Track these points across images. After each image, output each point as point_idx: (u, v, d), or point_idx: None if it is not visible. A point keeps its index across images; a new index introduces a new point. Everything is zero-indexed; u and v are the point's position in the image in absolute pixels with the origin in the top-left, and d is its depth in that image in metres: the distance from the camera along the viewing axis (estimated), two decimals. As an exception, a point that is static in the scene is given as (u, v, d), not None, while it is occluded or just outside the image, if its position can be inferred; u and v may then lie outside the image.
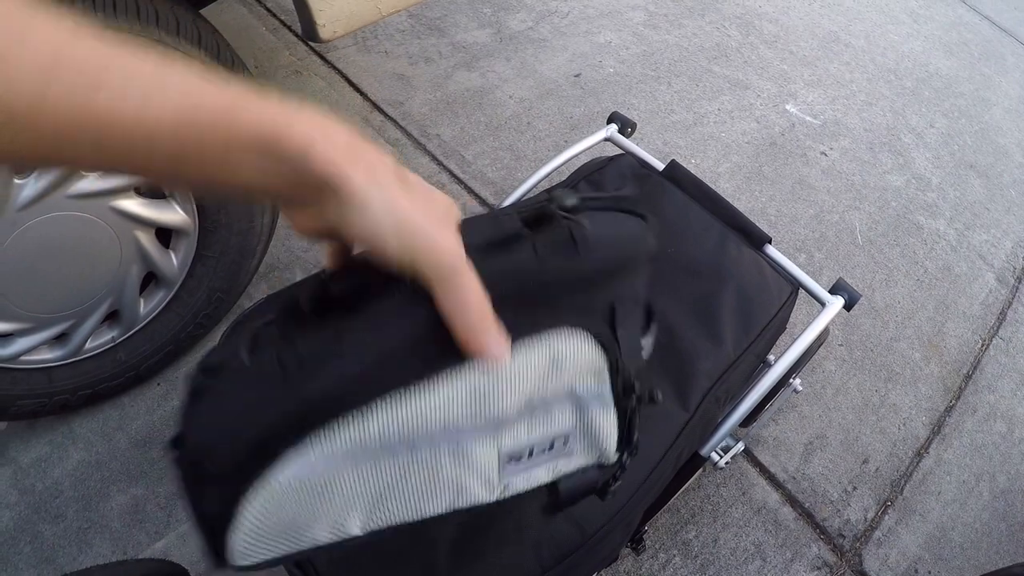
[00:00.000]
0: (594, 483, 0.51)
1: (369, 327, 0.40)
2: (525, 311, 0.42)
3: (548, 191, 0.60)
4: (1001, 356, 1.79)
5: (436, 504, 0.45)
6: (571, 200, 0.43)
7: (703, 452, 1.09)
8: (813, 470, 1.55)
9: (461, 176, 1.78)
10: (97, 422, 1.36)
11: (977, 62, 2.57)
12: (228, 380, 0.40)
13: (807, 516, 1.49)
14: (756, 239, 1.23)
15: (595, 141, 1.33)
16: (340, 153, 0.34)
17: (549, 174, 1.31)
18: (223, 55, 1.15)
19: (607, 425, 0.48)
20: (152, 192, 1.21)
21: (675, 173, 1.27)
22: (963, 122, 2.24)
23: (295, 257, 1.63)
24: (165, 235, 1.28)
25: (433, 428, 0.41)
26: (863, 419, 1.63)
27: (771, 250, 1.23)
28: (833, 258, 1.83)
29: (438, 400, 0.40)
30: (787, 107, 2.11)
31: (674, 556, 1.41)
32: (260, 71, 1.89)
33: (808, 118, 2.09)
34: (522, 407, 0.44)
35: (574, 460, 0.49)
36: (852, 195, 1.96)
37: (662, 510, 1.44)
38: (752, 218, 1.79)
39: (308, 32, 1.14)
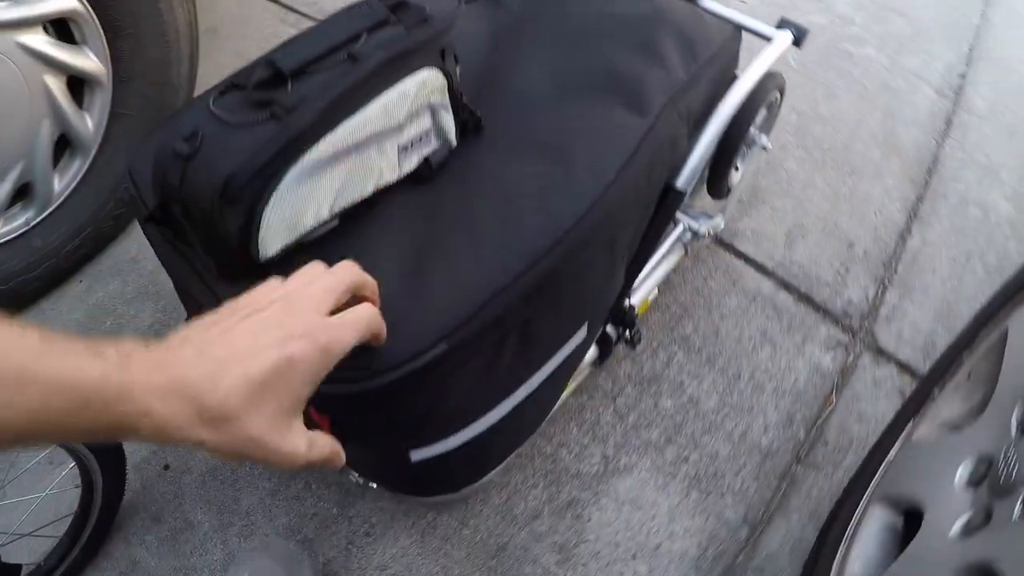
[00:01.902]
0: (445, 158, 0.78)
1: (320, 85, 0.63)
2: (404, 61, 0.69)
3: None
4: (958, 152, 1.75)
5: (368, 186, 0.71)
6: None
7: (678, 184, 0.97)
8: (800, 256, 1.43)
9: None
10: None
11: None
12: (221, 135, 0.60)
13: (806, 299, 1.37)
14: None
15: None
16: (174, 419, 0.40)
17: None
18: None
19: (449, 121, 0.77)
20: (62, 33, 1.08)
21: None
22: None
23: None
24: (78, 96, 1.16)
25: (367, 135, 0.67)
26: (838, 209, 1.53)
27: (705, 2, 1.16)
28: (774, 79, 1.77)
29: (369, 115, 0.67)
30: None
31: (675, 352, 1.25)
32: None
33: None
34: (406, 116, 0.71)
35: (433, 145, 0.77)
36: (779, 32, 1.93)
37: (654, 308, 1.29)
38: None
39: None
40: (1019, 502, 0.73)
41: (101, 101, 1.19)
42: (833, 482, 1.17)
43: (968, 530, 0.79)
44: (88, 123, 1.18)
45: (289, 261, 0.66)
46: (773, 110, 1.27)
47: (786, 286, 1.38)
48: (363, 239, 0.71)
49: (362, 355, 0.55)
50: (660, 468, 1.14)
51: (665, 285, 1.31)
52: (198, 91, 1.32)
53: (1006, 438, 0.83)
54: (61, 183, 1.20)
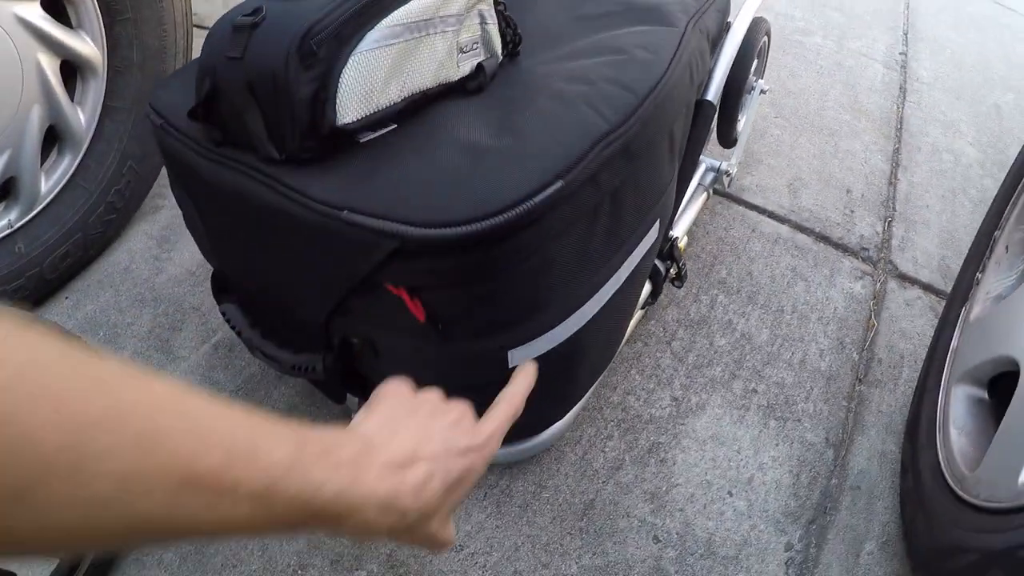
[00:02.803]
0: (496, 69, 0.79)
1: None
2: None
3: None
4: (918, 112, 1.86)
5: (430, 75, 0.71)
6: None
7: (709, 96, 1.02)
8: (806, 203, 1.47)
9: None
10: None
11: None
12: (288, 6, 0.60)
13: (823, 239, 1.40)
14: None
15: None
16: (382, 527, 0.41)
17: None
18: None
19: (495, 33, 0.79)
20: (56, 10, 1.05)
21: None
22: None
23: None
24: (70, 88, 1.12)
25: (432, 15, 0.68)
26: (827, 163, 1.60)
27: None
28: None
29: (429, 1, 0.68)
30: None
31: (716, 295, 1.25)
32: None
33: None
34: (461, 12, 0.73)
35: (481, 56, 0.78)
36: (730, 30, 2.06)
37: (685, 258, 1.29)
38: None
39: None
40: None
41: (94, 92, 1.14)
42: (898, 395, 1.16)
43: None
44: (80, 116, 1.13)
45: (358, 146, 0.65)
46: (763, 55, 1.34)
47: (802, 229, 1.41)
48: (435, 126, 0.70)
49: None
50: (731, 403, 1.11)
51: (691, 238, 1.33)
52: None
53: None
54: (48, 182, 1.12)
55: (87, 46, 1.09)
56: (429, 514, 0.45)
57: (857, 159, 1.63)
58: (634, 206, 0.82)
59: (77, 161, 1.15)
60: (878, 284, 1.33)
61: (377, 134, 0.68)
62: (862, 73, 1.96)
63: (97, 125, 1.16)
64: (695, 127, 1.00)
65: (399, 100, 0.68)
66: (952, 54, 2.19)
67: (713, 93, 1.03)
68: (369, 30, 0.63)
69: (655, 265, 1.08)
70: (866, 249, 1.40)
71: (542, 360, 0.77)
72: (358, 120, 0.65)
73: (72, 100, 1.11)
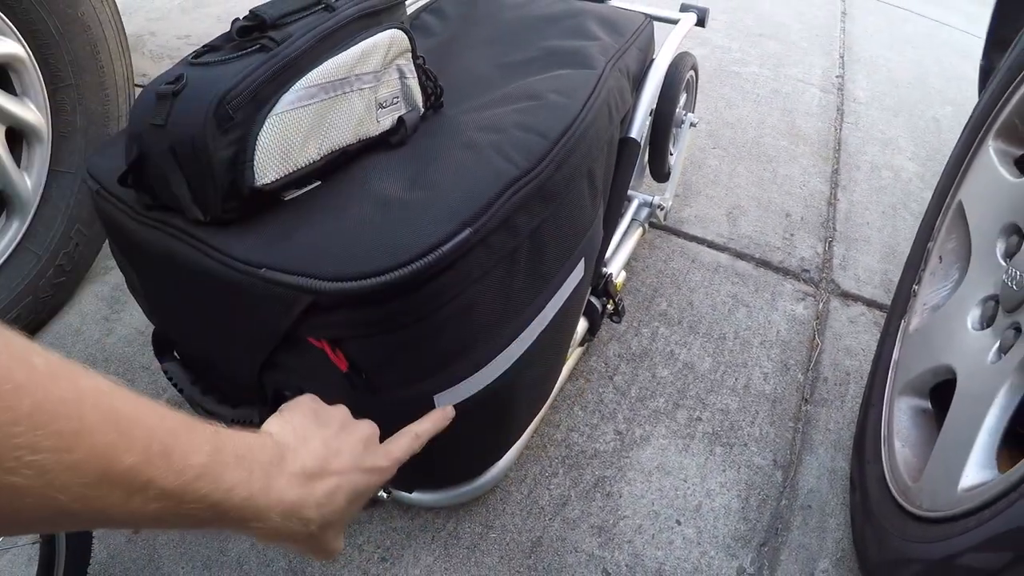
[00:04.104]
0: (417, 121, 0.83)
1: (302, 27, 0.68)
2: (374, 17, 0.75)
3: None
4: (856, 132, 1.91)
5: (353, 134, 0.74)
6: None
7: (632, 134, 1.05)
8: (745, 230, 1.50)
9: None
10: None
11: None
12: (208, 71, 0.63)
13: (764, 264, 1.42)
14: None
15: None
16: (286, 533, 0.45)
17: None
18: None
19: (415, 86, 0.83)
20: (1, 84, 1.09)
21: None
22: (740, 13, 2.52)
23: None
24: (15, 154, 1.14)
25: (349, 74, 0.72)
26: (765, 189, 1.63)
27: (614, 1, 1.30)
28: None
29: (350, 55, 0.72)
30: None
31: (657, 327, 1.27)
32: None
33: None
34: (380, 65, 0.77)
35: (402, 109, 0.81)
36: (670, 68, 2.12)
37: (624, 294, 1.31)
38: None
39: None
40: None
41: (40, 158, 1.16)
42: (845, 412, 1.17)
43: (1002, 352, 0.81)
44: (27, 181, 1.15)
45: (279, 204, 0.67)
46: (692, 89, 1.38)
47: (741, 256, 1.43)
48: (354, 182, 0.73)
49: None
50: (676, 432, 1.11)
51: (631, 272, 1.35)
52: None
53: (999, 269, 0.88)
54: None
55: (31, 113, 1.12)
56: (329, 525, 0.47)
57: (796, 183, 1.66)
58: (556, 246, 0.84)
59: (25, 226, 1.17)
60: (820, 304, 1.35)
61: (300, 192, 0.71)
62: (799, 98, 2.02)
63: (44, 190, 1.18)
64: (619, 164, 1.03)
65: (318, 158, 0.71)
66: (889, 73, 2.26)
67: (636, 130, 1.06)
68: (285, 92, 0.66)
69: (590, 302, 1.10)
70: (807, 270, 1.42)
71: (472, 402, 0.78)
72: (277, 180, 0.67)
73: (19, 166, 1.14)
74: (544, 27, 1.11)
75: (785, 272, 1.41)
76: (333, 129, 0.73)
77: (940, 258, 1.12)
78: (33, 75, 1.12)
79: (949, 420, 0.86)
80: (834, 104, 2.02)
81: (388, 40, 0.77)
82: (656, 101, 1.19)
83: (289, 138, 0.67)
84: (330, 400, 0.60)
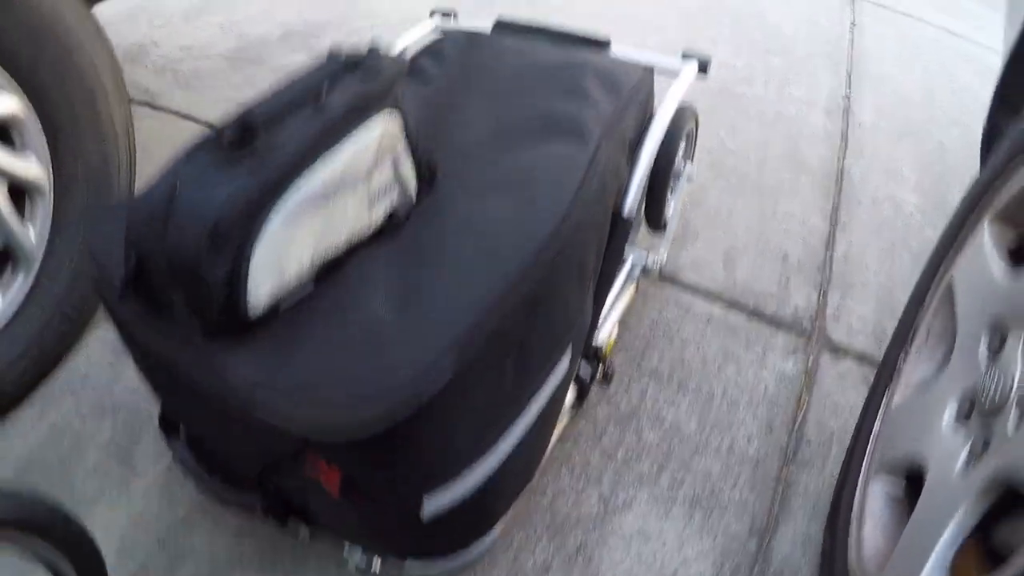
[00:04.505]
0: (409, 209, 0.86)
1: (290, 133, 0.69)
2: (364, 108, 0.76)
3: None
4: (859, 161, 1.90)
5: (343, 236, 0.77)
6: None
7: (624, 211, 1.06)
8: (741, 276, 1.51)
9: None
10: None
11: None
12: (200, 188, 0.65)
13: (757, 314, 1.44)
14: (598, 44, 1.29)
15: (423, 32, 1.35)
16: None
17: None
18: None
19: (409, 170, 0.85)
20: (2, 139, 1.10)
21: (505, 27, 1.34)
22: (748, 24, 2.48)
23: None
24: (19, 207, 1.15)
25: (340, 178, 0.73)
26: (765, 227, 1.64)
27: (616, 48, 1.29)
28: (681, 127, 1.92)
29: (340, 159, 0.73)
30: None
31: (647, 385, 1.29)
32: None
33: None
34: (372, 162, 0.78)
35: (395, 196, 0.84)
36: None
37: (616, 350, 1.33)
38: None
39: None
40: (1012, 412, 0.77)
41: (43, 210, 1.18)
42: (825, 476, 1.20)
43: (972, 459, 0.83)
44: (31, 234, 1.17)
45: (274, 317, 0.70)
46: (692, 139, 1.38)
47: (736, 305, 1.45)
48: (345, 292, 0.75)
49: None
50: (658, 497, 1.15)
51: (623, 327, 1.37)
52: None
53: (980, 367, 0.89)
54: (5, 301, 1.17)
55: (33, 168, 1.13)
56: None
57: (795, 220, 1.66)
58: (544, 346, 0.87)
59: (32, 279, 1.20)
60: (810, 358, 1.37)
61: (294, 300, 0.74)
62: (804, 122, 2.00)
63: (48, 242, 1.20)
64: (611, 242, 1.05)
65: (312, 267, 0.74)
66: (896, 90, 2.23)
67: (629, 206, 1.07)
68: (275, 208, 0.67)
69: (579, 372, 1.12)
70: (800, 321, 1.43)
71: (463, 499, 0.82)
72: (271, 295, 0.70)
73: (23, 218, 1.16)
74: (542, 84, 1.11)
75: (778, 324, 1.42)
76: (327, 236, 0.75)
77: (928, 334, 1.13)
78: (33, 129, 1.13)
79: (914, 518, 0.88)
80: (839, 129, 2.00)
81: (380, 132, 0.78)
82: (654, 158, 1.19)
83: (283, 253, 0.70)
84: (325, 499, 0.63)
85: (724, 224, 1.63)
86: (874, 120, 2.07)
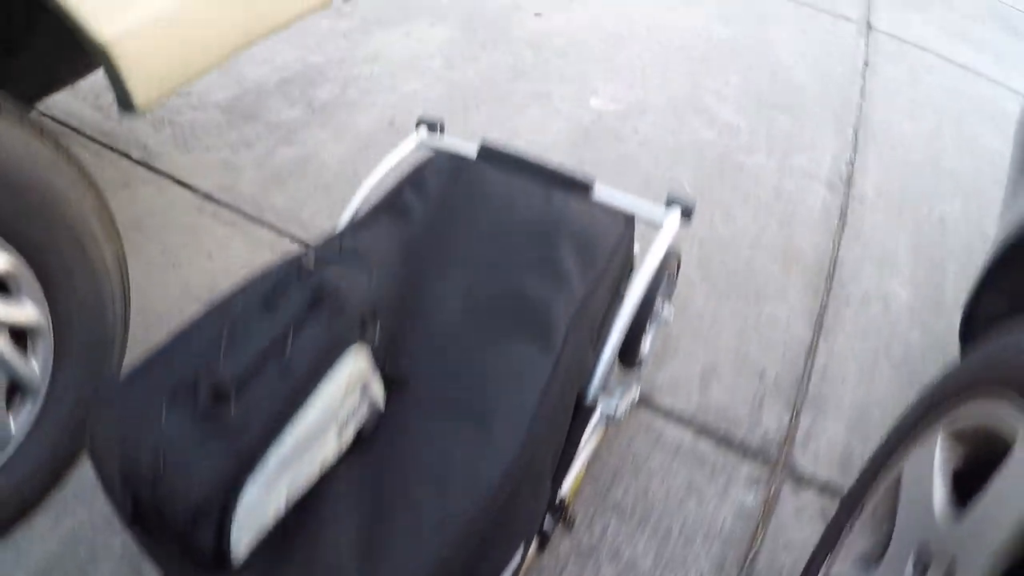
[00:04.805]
0: (376, 421, 0.89)
1: (260, 401, 0.74)
2: (329, 354, 0.80)
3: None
4: (855, 248, 1.89)
5: (315, 470, 0.81)
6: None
7: (588, 398, 1.08)
8: (715, 399, 1.54)
9: (304, 237, 1.77)
10: (-8, 566, 1.22)
11: (753, 23, 2.84)
12: (182, 457, 0.70)
13: (726, 442, 1.47)
14: (580, 186, 1.27)
15: (408, 149, 1.36)
16: None
17: (372, 188, 1.32)
18: (47, 135, 1.12)
19: (378, 389, 0.88)
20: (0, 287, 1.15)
21: (489, 154, 1.33)
22: (756, 73, 2.44)
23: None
24: (21, 341, 1.20)
25: (311, 433, 0.78)
26: (746, 339, 1.65)
27: (599, 190, 1.27)
28: (674, 208, 1.90)
29: (310, 417, 0.77)
30: (591, 102, 2.24)
31: (610, 520, 1.35)
32: None
33: (612, 106, 2.23)
34: (340, 401, 0.81)
35: (364, 414, 0.86)
36: (672, 155, 2.07)
37: (585, 481, 1.38)
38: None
39: (123, 103, 1.15)
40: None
41: (44, 346, 1.23)
42: (770, 623, 1.26)
43: None
44: (35, 367, 1.22)
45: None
46: (672, 280, 1.39)
47: (705, 431, 1.48)
48: (312, 527, 0.81)
49: None
50: (609, 643, 1.22)
51: (594, 457, 1.41)
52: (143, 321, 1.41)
53: None
54: (17, 425, 1.24)
55: (30, 313, 1.18)
56: None
57: (779, 328, 1.67)
58: (498, 556, 0.92)
59: (40, 404, 1.28)
60: (772, 489, 1.41)
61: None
62: (802, 201, 1.98)
63: (52, 372, 1.27)
64: (572, 429, 1.08)
65: (289, 505, 0.79)
66: (903, 151, 2.18)
67: (593, 393, 1.09)
68: (254, 477, 0.73)
69: (541, 527, 1.18)
70: (768, 447, 1.47)
71: None
72: (253, 543, 0.76)
73: (26, 353, 1.21)
74: (517, 250, 1.12)
75: (745, 451, 1.46)
76: (301, 477, 0.80)
77: (872, 514, 1.17)
78: (27, 279, 1.18)
79: None
80: (837, 207, 1.98)
81: (348, 372, 0.82)
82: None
83: (261, 510, 0.75)
84: None
85: (706, 335, 1.65)
86: (876, 192, 2.04)
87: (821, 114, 2.25)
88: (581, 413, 1.08)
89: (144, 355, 0.82)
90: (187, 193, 1.86)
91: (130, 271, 1.63)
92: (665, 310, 1.35)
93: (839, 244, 1.89)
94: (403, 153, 1.36)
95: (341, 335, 0.81)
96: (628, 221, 1.21)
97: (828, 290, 1.78)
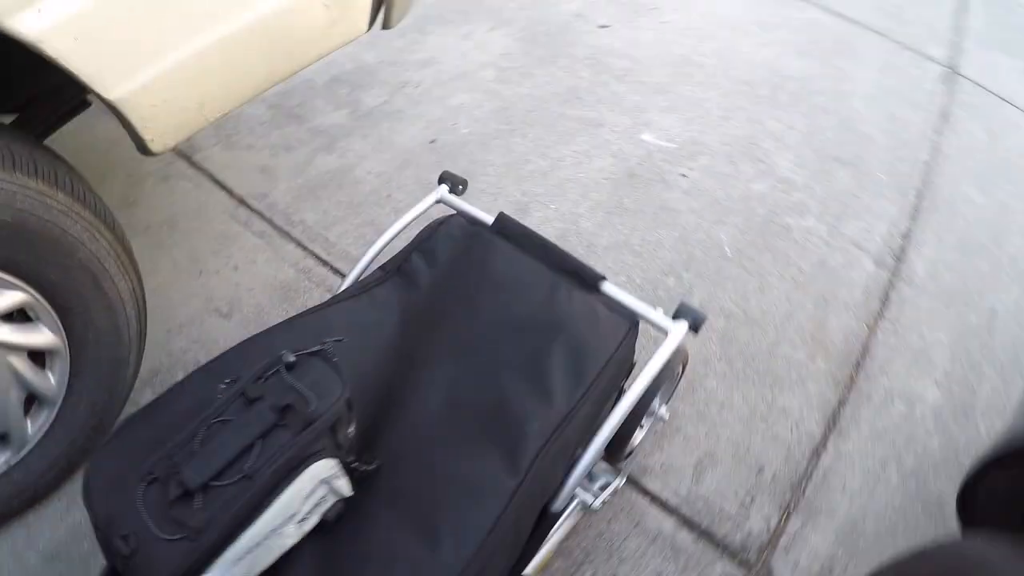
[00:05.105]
0: (341, 511, 0.91)
1: (222, 504, 0.78)
2: (293, 464, 0.83)
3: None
4: (890, 338, 1.80)
5: (273, 558, 0.85)
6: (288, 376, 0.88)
7: (554, 507, 1.08)
8: (706, 489, 1.51)
9: (326, 258, 1.79)
10: (6, 542, 1.34)
11: (831, 57, 2.66)
12: (150, 546, 0.77)
13: (706, 536, 1.45)
14: (589, 280, 1.24)
15: (427, 206, 1.36)
16: None
17: (386, 244, 1.33)
18: (63, 181, 1.17)
19: (343, 484, 0.90)
20: (20, 316, 1.21)
21: (504, 227, 1.30)
22: (823, 118, 2.30)
23: (176, 360, 1.61)
24: (40, 355, 1.28)
25: (268, 533, 0.82)
26: (752, 429, 1.61)
27: (608, 287, 1.23)
28: (702, 276, 1.84)
29: (267, 519, 0.82)
30: (643, 137, 2.16)
31: (573, 605, 1.36)
32: (131, 180, 1.92)
33: (664, 143, 2.14)
34: (302, 502, 0.85)
35: (329, 504, 0.89)
36: (716, 210, 1.99)
37: (557, 555, 1.40)
38: (615, 252, 1.82)
39: (141, 148, 1.19)
40: None
41: (61, 364, 1.30)
42: None
43: None
44: (51, 380, 1.30)
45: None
46: (675, 381, 1.36)
47: (688, 523, 1.47)
48: None
49: None
50: None
51: (571, 531, 1.42)
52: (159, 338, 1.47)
53: None
54: (34, 428, 1.33)
55: (47, 336, 1.25)
56: None
57: (789, 422, 1.62)
58: None
59: (55, 412, 1.36)
60: (743, 597, 1.40)
61: None
62: (845, 277, 1.88)
63: (68, 386, 1.35)
64: (532, 535, 1.09)
65: None
66: (964, 227, 2.04)
67: (561, 503, 1.09)
68: (215, 566, 0.78)
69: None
70: (747, 549, 1.45)
71: None
72: None
73: (44, 368, 1.29)
74: (512, 348, 1.11)
75: (723, 549, 1.44)
76: (256, 567, 0.84)
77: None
78: (45, 309, 1.25)
79: None
80: (881, 288, 1.88)
81: (310, 477, 0.85)
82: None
83: None
84: None
85: (711, 419, 1.61)
86: (926, 273, 1.92)
87: (885, 173, 2.12)
88: (545, 522, 1.09)
89: (138, 412, 0.97)
90: (223, 195, 1.90)
91: (157, 273, 1.71)
92: (662, 410, 1.33)
93: (875, 331, 1.80)
94: (420, 211, 1.35)
95: (306, 447, 0.83)
96: (632, 325, 1.18)
97: (851, 384, 1.71)
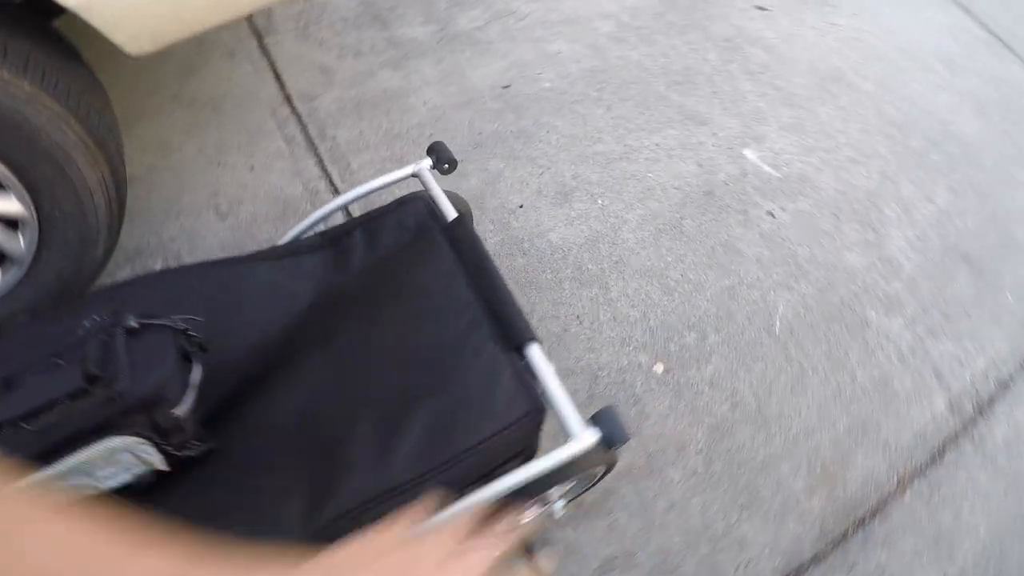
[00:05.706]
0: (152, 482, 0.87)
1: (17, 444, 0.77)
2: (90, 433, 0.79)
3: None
4: (919, 505, 1.47)
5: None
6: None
7: None
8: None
9: (339, 186, 1.67)
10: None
11: (1013, 128, 2.08)
12: None
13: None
14: (516, 337, 1.04)
15: (401, 176, 1.22)
16: None
17: (342, 206, 1.24)
18: (32, 70, 1.20)
19: (156, 457, 0.85)
20: None
21: (456, 232, 1.13)
22: (972, 200, 1.81)
23: (162, 246, 1.61)
24: (14, 227, 1.36)
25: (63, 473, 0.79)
26: (692, 548, 1.38)
27: (533, 353, 1.03)
28: (731, 345, 1.55)
29: (60, 469, 0.79)
30: (744, 152, 1.79)
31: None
32: (201, 48, 1.86)
33: (767, 168, 1.77)
34: (100, 465, 0.82)
35: (139, 471, 0.85)
36: (789, 270, 1.65)
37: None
38: (643, 279, 1.58)
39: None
40: None
41: (30, 232, 1.37)
42: None
43: None
44: (21, 245, 1.38)
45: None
46: (584, 484, 1.17)
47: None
48: None
49: None
50: None
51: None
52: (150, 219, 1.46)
53: None
54: (5, 279, 1.42)
55: (15, 205, 1.31)
56: None
57: (739, 558, 1.37)
58: None
59: (24, 271, 1.42)
60: None
61: None
62: (902, 410, 1.54)
63: (36, 251, 1.40)
64: None
65: None
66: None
67: None
68: None
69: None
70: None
71: None
72: None
73: (15, 231, 1.37)
74: (384, 381, 0.99)
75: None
76: None
77: None
78: (15, 181, 1.28)
79: None
80: (941, 439, 1.52)
81: (104, 450, 0.82)
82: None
83: None
84: None
85: (651, 518, 1.38)
86: (1003, 444, 1.54)
87: (1016, 295, 1.67)
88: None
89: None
90: (274, 88, 1.80)
91: (182, 151, 1.67)
92: (558, 505, 1.15)
93: (903, 489, 1.48)
94: (393, 179, 1.22)
95: (105, 422, 0.80)
96: (531, 412, 0.98)
97: (840, 542, 1.43)
